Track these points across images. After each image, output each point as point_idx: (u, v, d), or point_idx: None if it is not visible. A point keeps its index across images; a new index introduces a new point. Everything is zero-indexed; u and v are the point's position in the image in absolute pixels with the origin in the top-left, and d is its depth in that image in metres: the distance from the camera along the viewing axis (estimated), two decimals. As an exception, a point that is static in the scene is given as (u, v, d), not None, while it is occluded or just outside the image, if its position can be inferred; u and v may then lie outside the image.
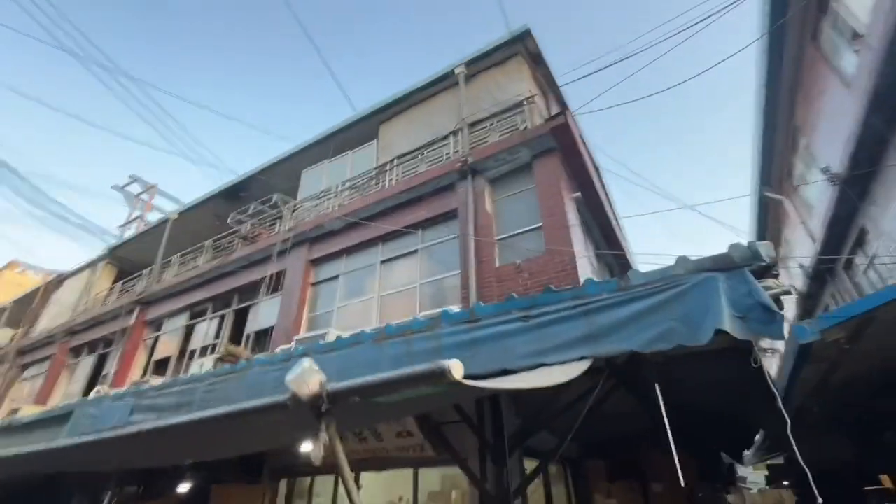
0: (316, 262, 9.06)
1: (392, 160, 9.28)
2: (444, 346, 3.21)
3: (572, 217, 6.51)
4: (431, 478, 8.10)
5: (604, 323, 2.60)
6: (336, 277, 8.61)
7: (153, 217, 19.27)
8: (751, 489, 17.10)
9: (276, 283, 9.30)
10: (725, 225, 19.92)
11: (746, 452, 9.16)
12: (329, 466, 6.76)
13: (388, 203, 8.23)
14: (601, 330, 2.59)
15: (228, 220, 10.70)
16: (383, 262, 8.10)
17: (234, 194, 12.72)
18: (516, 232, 6.72)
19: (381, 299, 7.70)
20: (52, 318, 16.03)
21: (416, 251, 7.74)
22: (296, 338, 7.37)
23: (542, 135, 6.87)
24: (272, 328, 8.80)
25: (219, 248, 11.90)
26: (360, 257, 8.51)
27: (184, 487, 6.42)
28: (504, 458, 4.91)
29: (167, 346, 10.93)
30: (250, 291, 10.07)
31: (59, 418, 5.89)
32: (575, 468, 7.35)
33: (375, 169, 9.49)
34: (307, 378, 1.65)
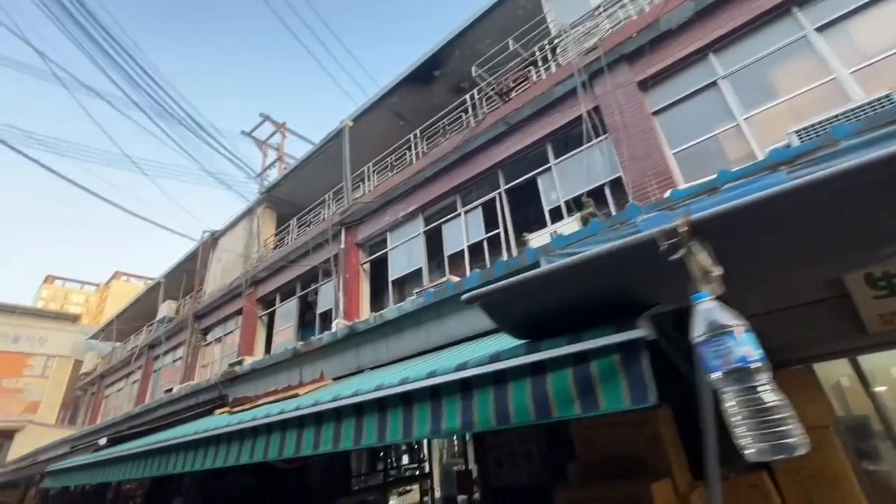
0: (649, 82, 6.13)
1: None
2: None
3: None
4: None
5: None
6: (708, 86, 5.64)
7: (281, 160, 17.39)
8: None
9: (563, 139, 6.53)
10: None
11: None
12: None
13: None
14: None
15: (473, 74, 7.96)
16: (820, 28, 4.99)
17: (426, 76, 10.06)
18: None
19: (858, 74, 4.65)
20: (216, 277, 14.70)
21: (911, -18, 4.54)
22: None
23: None
24: (605, 185, 6.09)
25: (433, 134, 9.41)
26: (751, 43, 5.46)
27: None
28: None
29: (405, 260, 8.68)
30: (517, 162, 7.43)
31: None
32: None
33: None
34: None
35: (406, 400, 1.64)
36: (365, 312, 9.07)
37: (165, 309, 16.74)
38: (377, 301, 9.45)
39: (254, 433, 2.91)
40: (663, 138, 5.81)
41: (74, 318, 27.46)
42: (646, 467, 3.37)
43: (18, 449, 17.82)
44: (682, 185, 5.24)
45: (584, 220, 5.28)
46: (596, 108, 6.38)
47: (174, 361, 15.12)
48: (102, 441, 5.11)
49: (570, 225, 5.44)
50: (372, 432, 1.72)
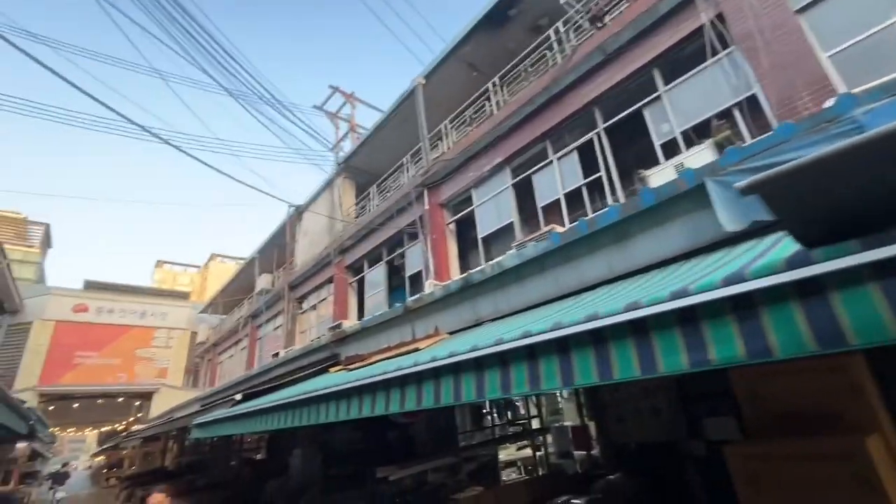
0: (793, -27, 5.04)
1: None
2: None
3: None
4: None
5: None
6: (880, -37, 4.49)
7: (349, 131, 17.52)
8: None
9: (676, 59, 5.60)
10: None
11: None
12: None
13: None
14: None
15: (561, 2, 7.20)
16: None
17: (500, 18, 9.30)
18: None
19: None
20: (304, 249, 15.42)
21: None
22: None
23: None
24: (733, 106, 5.21)
25: (512, 81, 8.79)
26: None
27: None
28: None
29: (494, 215, 8.34)
30: (616, 96, 6.65)
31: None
32: None
33: None
34: None
35: (639, 329, 1.32)
36: (454, 272, 8.95)
37: (262, 282, 18.02)
38: (464, 260, 9.28)
39: (386, 386, 2.82)
40: (814, 39, 4.78)
41: (185, 296, 30.80)
42: (840, 423, 2.83)
43: (156, 408, 20.64)
44: (844, 92, 4.28)
45: (720, 145, 4.54)
46: (719, 17, 5.41)
47: (275, 329, 16.33)
48: (238, 396, 5.50)
49: (700, 154, 4.71)
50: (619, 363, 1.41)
